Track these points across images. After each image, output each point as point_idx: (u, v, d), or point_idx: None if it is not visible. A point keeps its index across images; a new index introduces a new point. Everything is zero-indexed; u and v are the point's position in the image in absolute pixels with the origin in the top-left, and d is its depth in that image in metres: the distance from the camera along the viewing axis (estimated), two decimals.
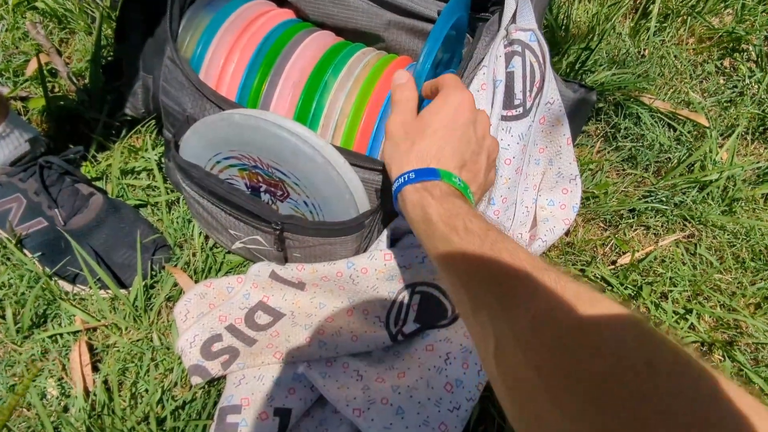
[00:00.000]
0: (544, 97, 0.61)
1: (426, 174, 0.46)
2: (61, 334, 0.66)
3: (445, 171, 0.46)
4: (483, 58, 0.60)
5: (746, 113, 0.94)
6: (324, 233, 0.60)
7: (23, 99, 0.82)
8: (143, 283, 0.68)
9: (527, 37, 0.60)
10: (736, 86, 0.97)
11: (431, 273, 0.62)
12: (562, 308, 0.31)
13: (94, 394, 0.62)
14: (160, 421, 0.61)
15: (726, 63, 1.03)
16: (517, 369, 0.31)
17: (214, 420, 0.59)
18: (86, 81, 0.85)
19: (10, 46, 0.87)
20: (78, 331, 0.67)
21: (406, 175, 0.46)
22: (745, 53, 1.03)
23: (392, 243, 0.64)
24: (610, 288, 0.74)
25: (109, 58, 0.86)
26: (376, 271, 0.62)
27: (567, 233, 0.76)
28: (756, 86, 0.97)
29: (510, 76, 0.60)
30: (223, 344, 0.63)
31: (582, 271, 0.75)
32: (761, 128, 0.93)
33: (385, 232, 0.63)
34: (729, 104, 0.95)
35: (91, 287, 0.68)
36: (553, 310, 0.31)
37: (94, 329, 0.67)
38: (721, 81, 0.99)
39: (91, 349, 0.66)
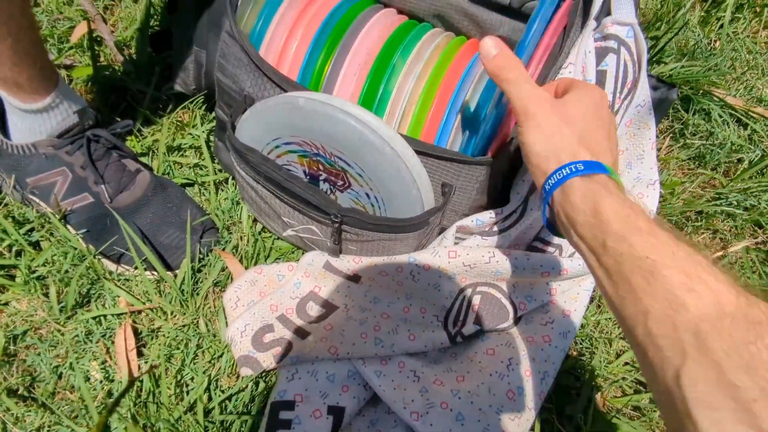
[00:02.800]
0: (636, 100, 0.57)
1: (596, 167, 0.40)
2: (105, 316, 0.64)
3: (609, 168, 0.41)
4: (569, 53, 0.56)
5: None
6: (385, 229, 0.57)
7: (67, 67, 0.79)
8: (191, 265, 0.66)
9: (625, 32, 0.55)
10: None
11: (495, 274, 0.59)
12: None
13: (140, 381, 0.60)
14: (207, 412, 0.59)
15: None
16: None
17: (266, 415, 0.56)
18: (132, 51, 0.81)
19: (55, 11, 0.84)
20: (123, 314, 0.64)
21: (573, 166, 0.40)
22: None
23: (457, 241, 0.61)
24: None
25: (157, 28, 0.83)
26: (439, 269, 0.58)
27: None
28: None
29: (601, 75, 0.55)
30: (275, 335, 0.61)
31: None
32: None
33: (452, 230, 0.60)
34: None
35: (136, 268, 0.66)
36: None
37: (139, 312, 0.65)
38: None
39: (136, 333, 0.64)
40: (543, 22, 0.51)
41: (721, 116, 0.83)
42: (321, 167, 0.58)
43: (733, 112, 0.85)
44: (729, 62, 0.90)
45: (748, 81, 0.89)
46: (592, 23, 0.56)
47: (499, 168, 0.58)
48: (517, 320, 0.62)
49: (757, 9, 0.97)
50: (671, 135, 0.83)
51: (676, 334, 0.30)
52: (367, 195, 0.58)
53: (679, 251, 0.33)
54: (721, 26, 0.94)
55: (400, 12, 0.68)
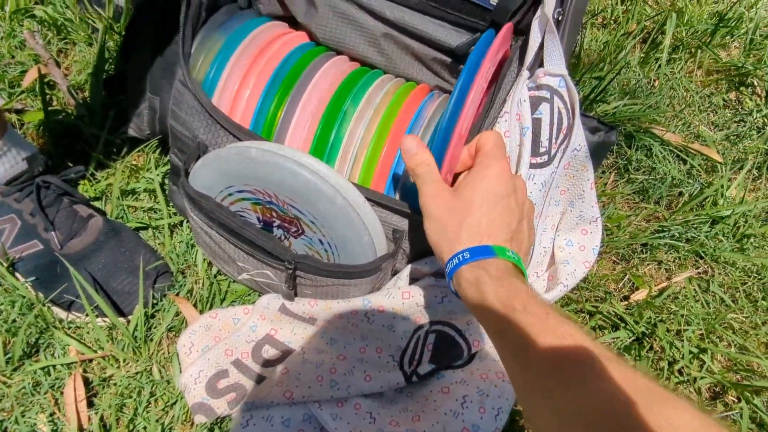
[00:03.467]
0: (572, 145, 0.60)
1: (480, 252, 0.44)
2: (54, 366, 0.63)
3: (498, 246, 0.45)
4: (505, 102, 0.58)
5: (753, 148, 0.93)
6: (339, 275, 0.58)
7: (18, 112, 0.78)
8: (144, 311, 0.65)
9: (557, 82, 0.58)
10: (743, 120, 0.97)
11: (449, 312, 0.60)
12: (627, 403, 0.29)
13: None
14: None
15: (732, 96, 1.03)
16: None
17: None
18: (86, 95, 0.81)
19: (6, 55, 0.83)
20: (73, 363, 0.63)
21: (460, 255, 0.45)
22: (751, 87, 1.03)
23: (410, 282, 0.62)
24: (624, 325, 0.72)
25: (112, 72, 0.83)
26: (393, 310, 0.59)
27: None
28: (762, 121, 0.97)
29: (536, 123, 0.58)
30: (229, 381, 0.61)
31: (596, 307, 0.73)
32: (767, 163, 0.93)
33: (406, 271, 0.61)
34: (737, 138, 0.95)
35: (87, 315, 0.64)
36: (618, 403, 0.30)
37: (90, 361, 0.64)
38: (729, 114, 0.99)
39: (86, 382, 0.62)
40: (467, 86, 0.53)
41: (661, 152, 0.88)
42: (274, 214, 0.59)
43: (672, 148, 0.89)
44: (668, 100, 0.96)
45: (686, 118, 0.94)
46: (525, 73, 0.59)
47: None
48: (471, 357, 0.63)
49: (692, 50, 1.03)
50: (616, 170, 0.87)
51: None
52: (321, 241, 0.59)
53: (548, 325, 0.37)
54: (659, 66, 0.99)
55: (353, 59, 0.70)
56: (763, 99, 1.01)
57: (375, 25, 0.66)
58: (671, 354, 0.70)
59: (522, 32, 0.63)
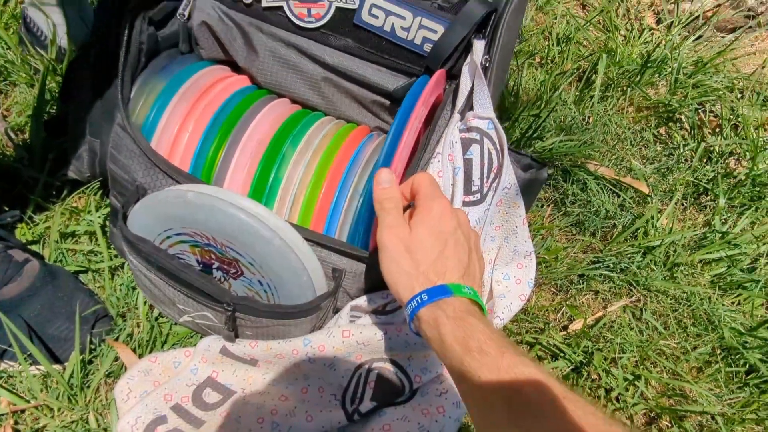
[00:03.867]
0: (503, 183, 0.63)
1: (438, 293, 0.46)
2: None
3: (454, 284, 0.47)
4: (438, 143, 0.61)
5: (682, 180, 0.99)
6: (278, 316, 0.58)
7: None
8: (80, 357, 0.64)
9: (485, 125, 0.61)
10: (672, 154, 1.03)
11: (390, 349, 0.61)
12: None
13: None
14: None
15: (662, 131, 1.09)
16: None
17: None
18: (26, 137, 0.80)
19: None
20: (3, 415, 0.61)
21: (418, 298, 0.46)
22: (679, 122, 1.10)
23: (351, 320, 0.63)
24: (563, 355, 0.75)
25: (53, 113, 0.82)
26: (333, 349, 0.60)
27: None
28: (689, 154, 1.04)
29: (468, 163, 0.61)
30: (168, 427, 0.60)
31: (535, 338, 0.75)
32: (695, 194, 0.99)
33: (346, 309, 0.62)
34: (667, 171, 1.01)
35: (20, 363, 0.63)
36: None
37: (23, 411, 0.62)
38: (659, 148, 1.05)
39: None
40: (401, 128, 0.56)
41: (595, 186, 0.92)
42: (213, 256, 0.59)
43: (605, 182, 0.94)
44: (601, 136, 1.01)
45: (618, 153, 0.99)
46: (456, 116, 0.62)
47: None
48: (413, 393, 0.64)
49: (623, 88, 1.09)
50: (553, 204, 0.91)
51: None
52: (260, 282, 0.59)
53: (502, 366, 0.39)
54: (593, 104, 1.04)
55: (294, 102, 0.72)
56: (689, 134, 1.07)
57: (315, 69, 0.69)
58: (607, 381, 0.73)
59: (454, 77, 0.66)
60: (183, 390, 0.62)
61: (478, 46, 0.63)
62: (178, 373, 0.64)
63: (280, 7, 0.67)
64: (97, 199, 0.76)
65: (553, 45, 1.16)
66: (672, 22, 1.30)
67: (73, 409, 0.62)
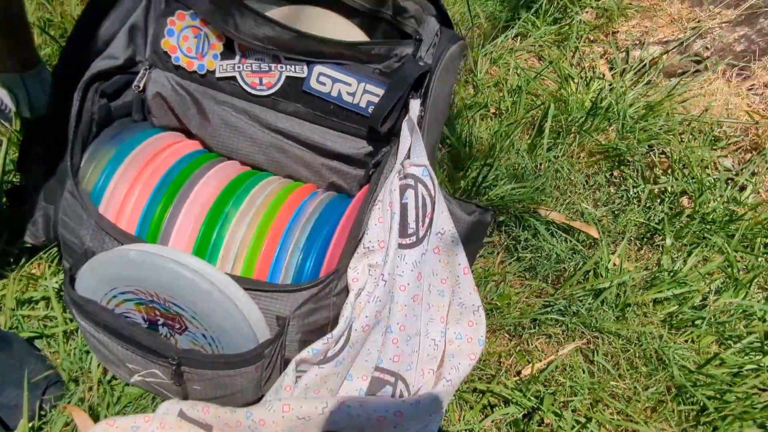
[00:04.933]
0: (435, 228, 0.65)
1: None
2: None
3: None
4: (379, 193, 0.64)
5: (634, 220, 1.02)
6: (222, 366, 0.60)
7: None
8: (30, 424, 0.64)
9: (420, 171, 0.65)
10: (624, 195, 1.07)
11: (331, 423, 0.62)
12: None
13: None
14: None
15: (616, 173, 1.13)
16: None
17: None
18: None
19: None
20: None
21: None
22: (630, 164, 1.14)
23: (298, 374, 0.64)
24: (514, 402, 0.75)
25: (15, 182, 0.85)
26: (273, 423, 0.60)
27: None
28: (639, 196, 1.07)
29: (404, 207, 0.63)
30: None
31: (487, 386, 0.76)
32: (648, 234, 1.02)
33: (292, 365, 0.63)
34: (619, 212, 1.04)
35: None
36: None
37: None
38: (612, 190, 1.08)
39: None
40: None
41: (547, 230, 0.95)
42: (158, 313, 0.61)
43: (557, 227, 0.96)
44: (553, 182, 1.04)
45: (569, 198, 1.03)
46: (398, 167, 0.65)
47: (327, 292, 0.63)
48: None
49: (574, 135, 1.14)
50: (506, 250, 0.93)
51: None
52: (204, 335, 0.61)
53: None
54: (544, 151, 1.09)
55: (244, 164, 0.75)
56: (640, 176, 1.11)
57: (264, 135, 0.72)
58: (559, 426, 0.73)
59: (396, 134, 0.70)
60: None
61: (414, 104, 0.68)
62: None
63: (233, 77, 0.71)
64: (54, 266, 0.78)
65: (506, 96, 1.21)
66: (624, 69, 1.37)
67: None
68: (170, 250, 0.57)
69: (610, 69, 1.44)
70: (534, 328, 0.84)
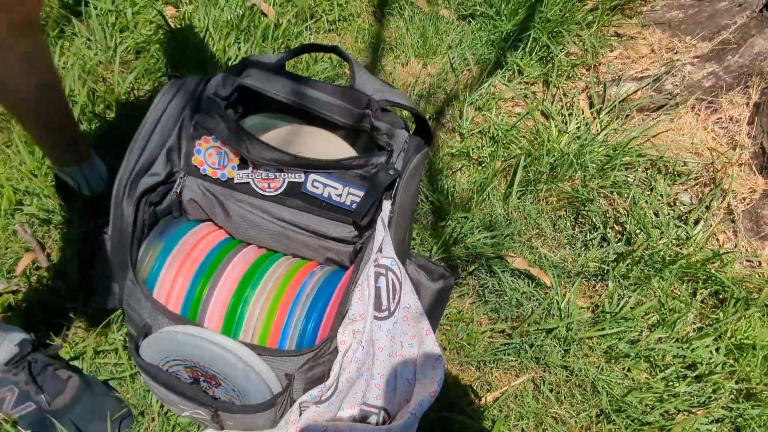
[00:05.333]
0: (402, 303, 0.86)
1: None
2: None
3: None
4: (359, 278, 0.85)
5: (591, 260, 1.21)
6: (246, 411, 0.83)
7: (14, 293, 1.04)
8: None
9: (389, 262, 0.85)
10: (582, 238, 1.25)
11: None
12: None
13: None
14: None
15: (581, 216, 1.31)
16: None
17: None
18: (66, 272, 1.07)
19: (2, 246, 1.09)
20: None
21: None
22: (593, 209, 1.32)
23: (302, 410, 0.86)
24: (472, 424, 0.97)
25: (84, 252, 1.09)
26: None
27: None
28: (598, 239, 1.25)
29: (378, 290, 0.84)
30: None
31: (449, 413, 0.98)
32: (602, 272, 1.20)
33: (296, 405, 0.85)
34: (579, 253, 1.23)
35: None
36: None
37: None
38: (576, 232, 1.27)
39: None
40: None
41: (510, 276, 1.14)
42: (199, 373, 0.84)
43: (519, 273, 1.16)
44: (521, 229, 1.23)
45: (533, 244, 1.22)
46: (374, 256, 0.86)
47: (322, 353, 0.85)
48: None
49: (543, 184, 1.32)
50: (475, 293, 1.14)
51: None
52: (233, 390, 0.83)
53: None
54: (512, 201, 1.27)
55: (260, 246, 0.97)
56: (599, 220, 1.29)
57: (274, 225, 0.93)
58: None
59: (371, 225, 0.90)
60: None
61: (386, 204, 0.88)
62: None
63: (248, 183, 0.92)
64: (119, 324, 1.02)
65: (486, 145, 1.40)
66: (600, 108, 1.53)
67: None
68: (207, 332, 0.80)
69: (590, 105, 1.60)
70: (494, 362, 1.05)
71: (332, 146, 0.92)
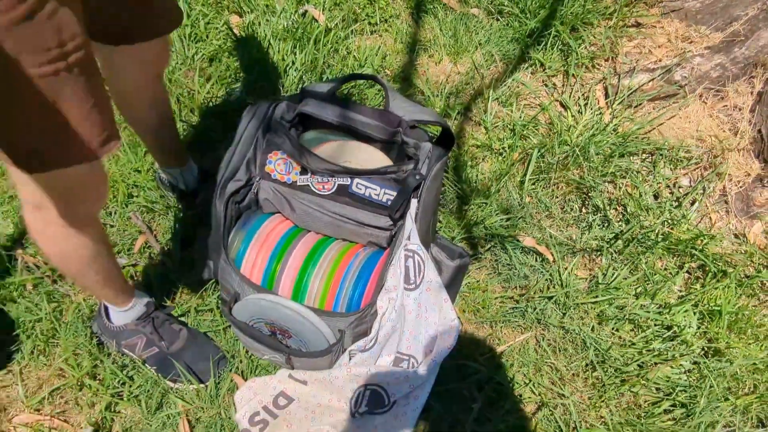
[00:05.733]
0: (426, 278, 1.13)
1: None
2: (170, 414, 1.19)
3: None
4: (393, 259, 1.12)
5: (594, 237, 1.43)
6: (310, 356, 1.13)
7: (134, 266, 1.37)
8: (213, 381, 1.21)
9: (416, 247, 1.12)
10: (586, 219, 1.47)
11: (375, 379, 1.13)
12: None
13: None
14: None
15: (587, 200, 1.53)
16: None
17: None
18: (170, 249, 1.39)
19: (121, 230, 1.42)
20: (179, 412, 1.19)
21: None
22: (594, 195, 1.52)
23: (351, 356, 1.16)
24: (485, 370, 1.24)
25: (184, 235, 1.40)
26: (344, 377, 1.13)
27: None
28: (600, 219, 1.47)
29: (407, 269, 1.11)
30: (260, 417, 1.16)
31: (465, 362, 1.25)
32: (601, 248, 1.43)
33: (346, 353, 1.14)
34: (584, 232, 1.45)
35: (184, 384, 1.21)
36: None
37: (188, 410, 1.20)
38: (582, 214, 1.49)
39: (189, 421, 1.19)
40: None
41: (520, 253, 1.39)
42: (276, 328, 1.14)
43: (528, 250, 1.40)
44: (533, 212, 1.46)
45: (542, 225, 1.45)
46: (404, 242, 1.12)
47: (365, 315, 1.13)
48: (391, 405, 1.16)
49: (556, 171, 1.53)
50: (491, 267, 1.39)
51: None
52: (300, 341, 1.14)
53: None
54: (528, 188, 1.50)
55: (318, 233, 1.25)
56: (603, 204, 1.50)
57: (328, 217, 1.21)
58: (511, 387, 1.22)
59: (402, 217, 1.17)
60: (268, 398, 1.18)
61: (413, 202, 1.14)
62: (265, 388, 1.20)
63: (308, 185, 1.20)
64: (213, 290, 1.33)
65: (507, 137, 1.62)
66: (613, 99, 1.71)
67: (212, 407, 1.20)
68: (281, 299, 1.09)
69: (605, 96, 1.78)
70: (503, 322, 1.31)
71: (371, 156, 1.18)
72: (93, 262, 0.95)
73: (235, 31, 1.83)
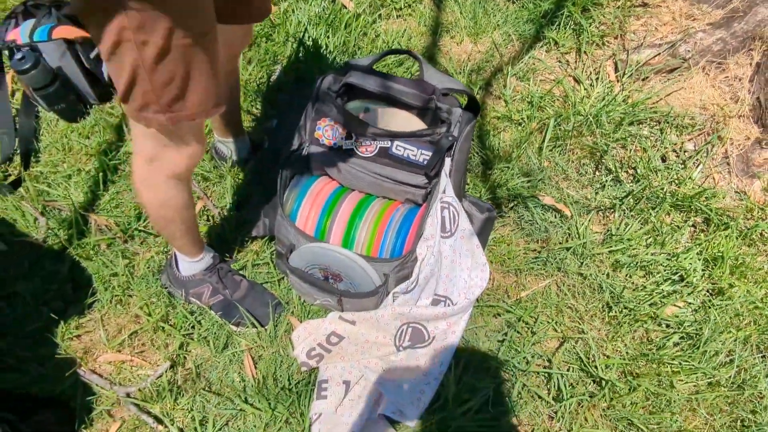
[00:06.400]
0: (460, 227, 1.28)
1: None
2: (235, 352, 1.36)
3: None
4: (430, 211, 1.28)
5: (607, 195, 1.58)
6: (359, 296, 1.29)
7: None
8: (272, 323, 1.37)
9: (451, 199, 1.27)
10: (600, 180, 1.62)
11: (416, 317, 1.29)
12: None
13: (259, 379, 1.31)
14: (287, 389, 1.30)
15: (601, 162, 1.67)
16: None
17: (316, 387, 1.27)
18: (226, 213, 1.55)
19: None
20: (243, 351, 1.36)
21: None
22: (607, 158, 1.67)
23: (394, 298, 1.31)
24: (513, 311, 1.39)
25: (239, 199, 1.56)
26: (389, 315, 1.29)
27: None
28: (613, 179, 1.62)
29: (443, 219, 1.27)
30: (316, 352, 1.32)
31: (495, 305, 1.40)
32: (614, 206, 1.57)
33: (390, 295, 1.30)
34: (598, 191, 1.60)
35: (247, 327, 1.37)
36: None
37: (251, 348, 1.37)
38: (597, 175, 1.63)
39: (252, 358, 1.35)
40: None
41: (541, 210, 1.54)
42: (328, 273, 1.30)
43: (548, 207, 1.55)
44: (551, 174, 1.61)
45: (560, 186, 1.60)
46: (440, 195, 1.27)
47: (407, 261, 1.29)
48: (432, 341, 1.31)
49: (572, 137, 1.68)
50: (514, 222, 1.54)
51: None
52: (351, 283, 1.29)
53: None
54: (545, 153, 1.65)
55: (361, 191, 1.41)
56: (615, 167, 1.64)
57: (370, 177, 1.36)
58: (532, 325, 1.37)
59: (438, 174, 1.32)
60: (321, 337, 1.34)
61: (447, 161, 1.29)
62: (318, 329, 1.36)
63: (353, 148, 1.35)
64: (266, 245, 1.49)
65: (525, 109, 1.76)
66: (623, 73, 1.85)
67: (272, 346, 1.36)
68: (333, 246, 1.25)
69: (615, 70, 1.92)
70: (527, 271, 1.46)
71: (408, 122, 1.34)
72: (184, 211, 1.12)
73: (271, 17, 1.98)
